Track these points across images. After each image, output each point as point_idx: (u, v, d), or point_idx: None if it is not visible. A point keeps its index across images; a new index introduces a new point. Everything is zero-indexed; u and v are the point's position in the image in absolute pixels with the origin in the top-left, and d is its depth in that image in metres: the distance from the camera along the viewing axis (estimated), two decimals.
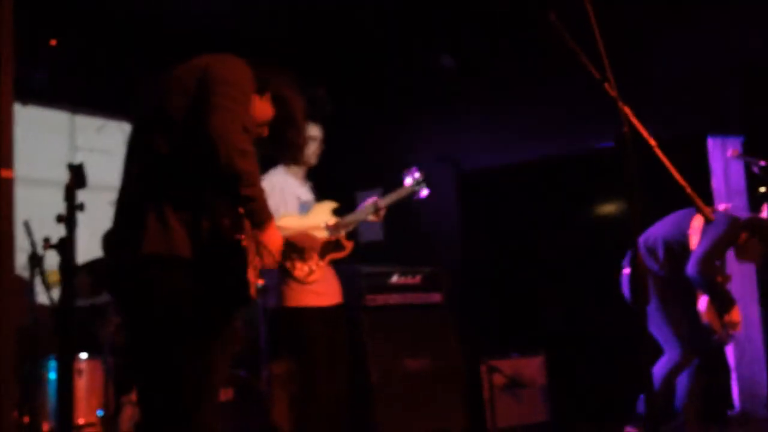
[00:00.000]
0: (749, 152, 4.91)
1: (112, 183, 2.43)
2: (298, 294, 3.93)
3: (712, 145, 5.56)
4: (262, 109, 2.59)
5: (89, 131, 6.22)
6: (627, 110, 2.34)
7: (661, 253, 4.50)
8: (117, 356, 4.45)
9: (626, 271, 4.65)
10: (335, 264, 4.16)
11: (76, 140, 6.17)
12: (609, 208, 6.74)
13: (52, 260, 4.21)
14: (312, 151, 4.16)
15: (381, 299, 5.31)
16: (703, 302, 4.35)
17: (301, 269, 3.94)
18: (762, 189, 4.60)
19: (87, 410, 4.38)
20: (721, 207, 4.56)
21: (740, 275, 5.10)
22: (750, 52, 5.25)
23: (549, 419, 5.87)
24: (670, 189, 2.43)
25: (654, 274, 4.51)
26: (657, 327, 4.44)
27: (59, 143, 6.08)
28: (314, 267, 3.98)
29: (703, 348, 4.51)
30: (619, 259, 4.70)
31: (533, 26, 2.32)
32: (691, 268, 4.26)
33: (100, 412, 4.39)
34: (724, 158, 5.42)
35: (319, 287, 3.98)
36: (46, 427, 4.32)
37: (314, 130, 4.15)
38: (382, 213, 4.24)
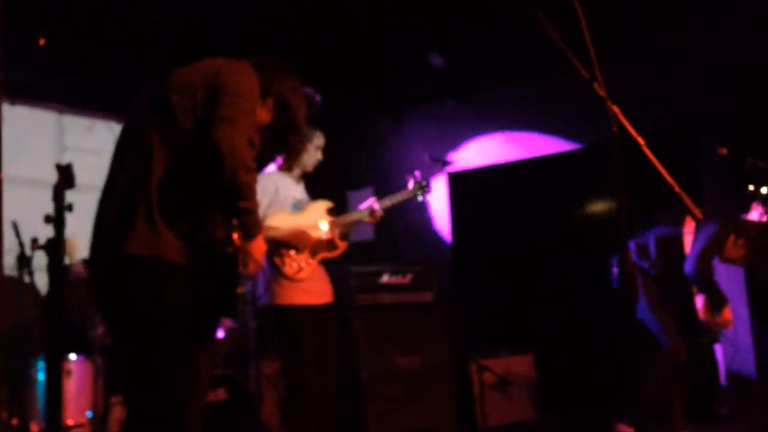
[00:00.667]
0: (738, 150, 4.94)
1: (101, 184, 2.41)
2: (289, 292, 3.92)
3: (702, 143, 5.58)
4: (262, 114, 2.56)
5: (78, 131, 6.19)
6: (616, 109, 2.35)
7: (653, 251, 4.53)
8: (106, 357, 4.43)
9: (615, 269, 4.67)
10: (326, 263, 4.16)
11: (64, 140, 6.15)
12: (599, 207, 6.76)
13: (40, 261, 4.20)
14: (317, 159, 4.18)
15: (371, 298, 5.32)
16: (699, 301, 4.39)
17: (290, 266, 3.94)
18: (751, 187, 4.62)
19: (76, 411, 4.35)
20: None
21: (728, 276, 5.13)
22: (740, 52, 5.28)
23: (538, 417, 5.89)
24: (659, 188, 2.44)
25: (645, 272, 4.53)
26: (650, 324, 4.46)
27: (47, 143, 6.04)
28: (303, 264, 3.97)
29: (693, 346, 4.55)
30: (609, 258, 4.72)
31: (523, 24, 2.31)
32: (689, 266, 4.30)
33: (89, 413, 4.37)
34: (713, 157, 5.44)
35: (309, 285, 3.98)
36: (35, 428, 4.30)
37: (320, 139, 4.17)
38: (379, 215, 4.24)
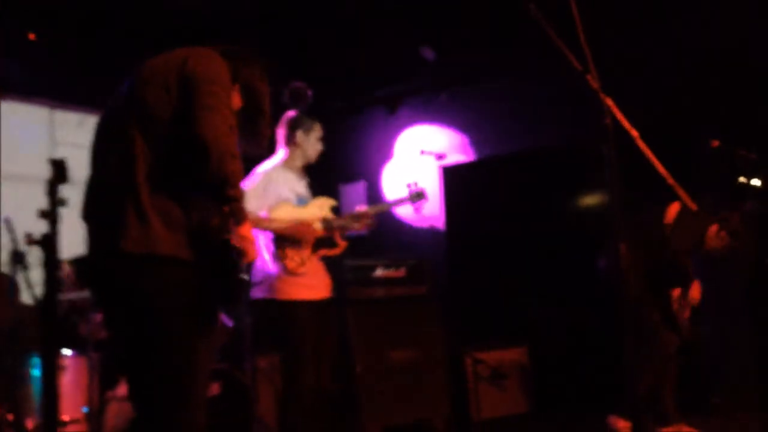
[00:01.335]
0: (730, 142, 4.95)
1: None
2: (289, 286, 3.92)
3: (693, 136, 5.59)
4: (234, 100, 2.56)
5: (69, 126, 6.17)
6: (609, 102, 2.35)
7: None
8: (101, 352, 4.43)
9: (605, 262, 4.70)
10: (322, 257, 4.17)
11: (55, 135, 6.12)
12: (591, 200, 6.78)
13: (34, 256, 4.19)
14: (317, 149, 4.19)
15: (365, 292, 5.32)
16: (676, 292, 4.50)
17: (292, 259, 3.94)
18: (742, 179, 4.64)
19: (72, 407, 4.35)
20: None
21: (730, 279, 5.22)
22: (733, 43, 5.29)
23: (532, 409, 5.91)
24: (652, 180, 2.45)
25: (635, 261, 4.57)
26: (641, 314, 4.50)
27: (39, 138, 6.02)
28: (305, 259, 3.98)
29: (682, 336, 4.60)
30: (602, 251, 4.73)
31: (517, 17, 2.32)
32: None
33: (85, 409, 4.37)
34: (704, 149, 5.45)
35: (309, 280, 3.99)
36: (30, 424, 4.29)
37: (320, 130, 4.18)
38: (367, 222, 4.22)
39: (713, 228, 4.54)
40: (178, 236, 2.27)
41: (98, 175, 2.40)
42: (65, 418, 4.32)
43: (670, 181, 2.42)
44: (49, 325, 4.13)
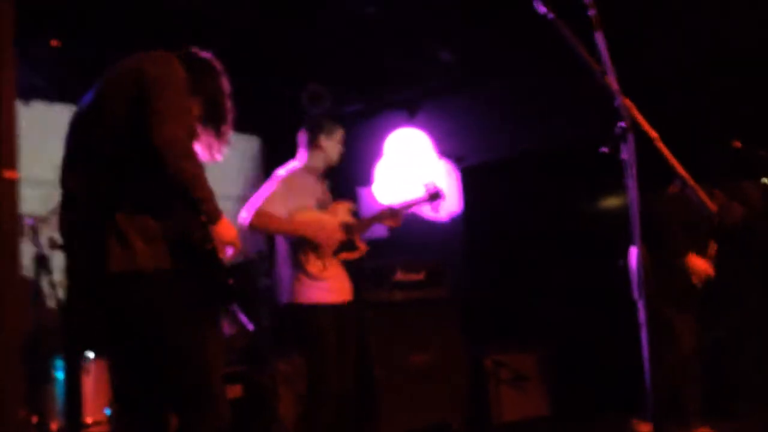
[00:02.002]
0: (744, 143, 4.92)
1: None
2: (310, 290, 3.93)
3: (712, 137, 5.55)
4: (192, 106, 2.55)
5: None
6: (628, 103, 2.34)
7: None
8: None
9: (631, 263, 4.67)
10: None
11: None
12: (611, 201, 6.73)
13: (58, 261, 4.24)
14: (338, 152, 4.20)
15: (385, 295, 5.32)
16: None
17: (314, 264, 3.94)
18: (765, 180, 4.60)
19: (95, 409, 4.39)
20: None
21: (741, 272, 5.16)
22: (738, 42, 5.24)
23: (553, 412, 5.88)
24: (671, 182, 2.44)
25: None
26: (660, 316, 4.47)
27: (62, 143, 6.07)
28: (327, 263, 3.98)
29: (708, 341, 4.56)
30: (621, 252, 4.70)
31: (532, 15, 2.31)
32: None
33: (107, 411, 4.41)
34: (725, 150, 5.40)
35: (331, 284, 3.99)
36: (54, 426, 4.34)
37: (341, 133, 4.19)
38: (391, 220, 4.24)
39: (722, 198, 4.47)
40: (158, 247, 2.29)
41: (71, 201, 2.40)
42: (88, 420, 4.36)
43: (691, 182, 2.41)
44: (73, 328, 4.18)
